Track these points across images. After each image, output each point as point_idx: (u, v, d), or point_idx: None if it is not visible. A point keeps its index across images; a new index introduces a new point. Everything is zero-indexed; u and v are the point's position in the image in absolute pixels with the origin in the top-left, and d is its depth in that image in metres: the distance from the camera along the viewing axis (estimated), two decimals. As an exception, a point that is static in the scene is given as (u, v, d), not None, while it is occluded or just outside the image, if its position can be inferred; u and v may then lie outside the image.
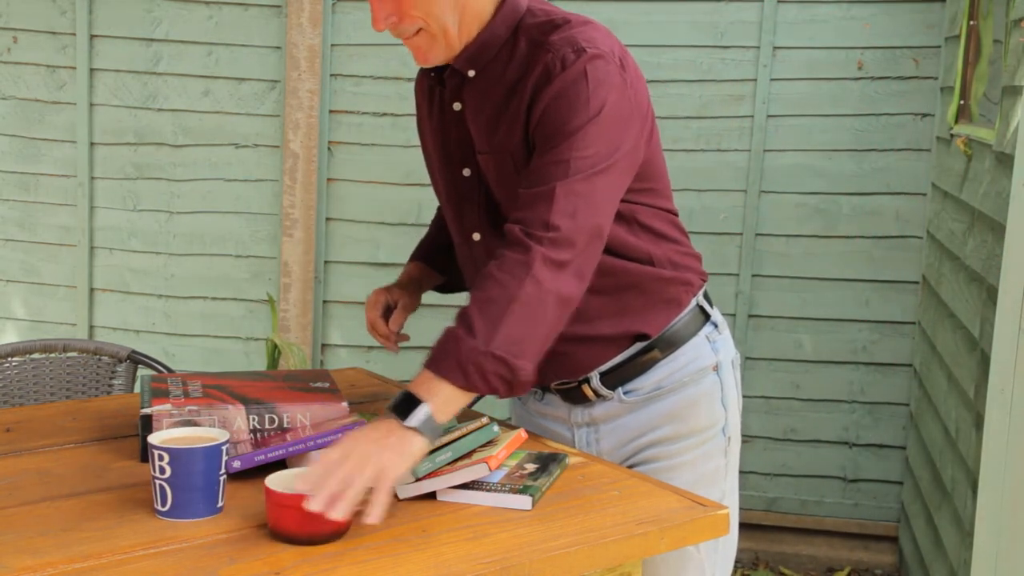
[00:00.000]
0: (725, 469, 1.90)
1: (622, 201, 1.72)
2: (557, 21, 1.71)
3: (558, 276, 1.59)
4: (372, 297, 2.00)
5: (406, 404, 1.50)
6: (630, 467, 1.86)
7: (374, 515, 1.39)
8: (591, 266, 1.66)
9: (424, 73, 1.88)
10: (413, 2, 1.65)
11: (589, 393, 1.87)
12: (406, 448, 1.46)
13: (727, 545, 1.90)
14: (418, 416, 1.48)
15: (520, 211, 1.64)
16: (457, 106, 1.78)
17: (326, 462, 1.42)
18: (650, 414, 1.86)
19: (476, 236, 1.82)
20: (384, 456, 1.43)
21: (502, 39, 1.71)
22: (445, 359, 1.52)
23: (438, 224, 2.11)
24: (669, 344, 1.84)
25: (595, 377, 1.86)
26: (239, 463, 1.63)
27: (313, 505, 1.36)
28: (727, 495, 1.90)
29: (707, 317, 1.89)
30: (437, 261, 2.10)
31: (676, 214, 1.88)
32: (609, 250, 1.72)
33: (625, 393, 1.86)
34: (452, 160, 1.83)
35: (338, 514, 1.37)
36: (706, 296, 1.90)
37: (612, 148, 1.65)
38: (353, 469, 1.40)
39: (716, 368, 1.88)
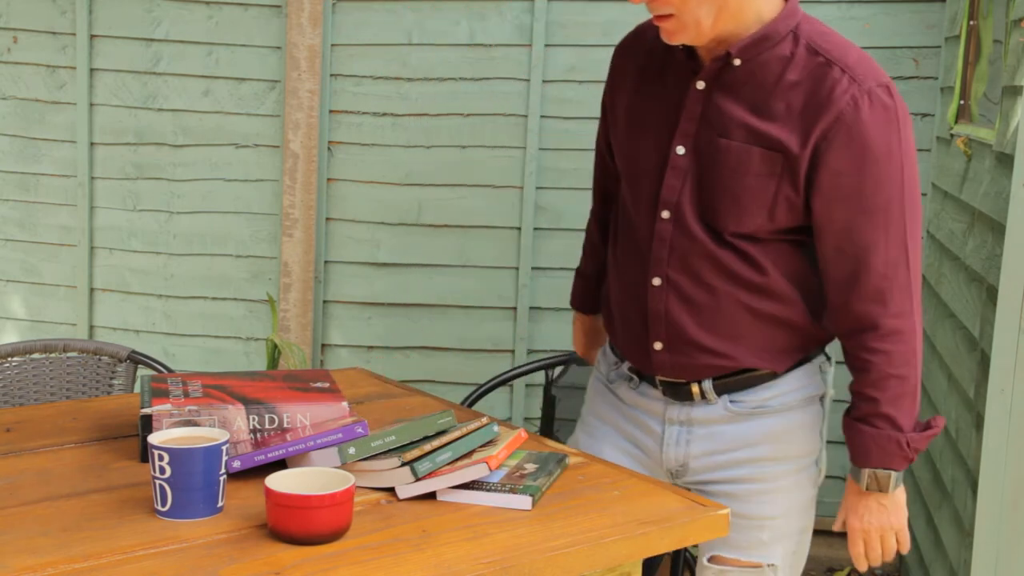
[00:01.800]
0: (813, 501, 1.94)
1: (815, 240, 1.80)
2: (838, 36, 1.73)
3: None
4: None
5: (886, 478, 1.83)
6: (720, 480, 1.85)
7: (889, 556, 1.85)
8: None
9: (638, 45, 1.87)
10: None
11: (696, 393, 1.85)
12: (903, 503, 1.86)
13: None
14: (896, 482, 1.83)
15: (882, 304, 1.75)
16: (701, 85, 1.74)
17: (857, 541, 1.89)
18: (750, 429, 1.85)
19: (666, 214, 1.78)
20: (898, 520, 1.85)
21: (780, 36, 1.70)
22: (894, 460, 1.82)
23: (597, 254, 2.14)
24: (788, 367, 1.86)
25: (708, 380, 1.84)
26: (239, 463, 1.63)
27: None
28: (810, 526, 1.96)
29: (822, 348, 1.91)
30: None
31: None
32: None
33: (731, 402, 1.84)
34: (668, 132, 1.78)
35: None
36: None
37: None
38: (885, 543, 1.87)
39: (822, 399, 1.91)
